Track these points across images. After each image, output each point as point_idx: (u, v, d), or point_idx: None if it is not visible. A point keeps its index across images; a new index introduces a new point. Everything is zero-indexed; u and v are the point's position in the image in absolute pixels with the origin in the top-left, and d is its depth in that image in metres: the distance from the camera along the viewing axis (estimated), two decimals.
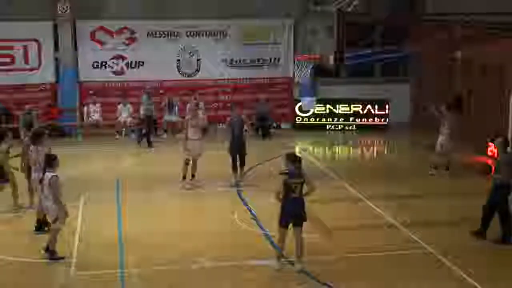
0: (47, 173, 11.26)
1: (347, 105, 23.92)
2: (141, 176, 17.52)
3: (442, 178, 17.02)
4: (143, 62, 23.52)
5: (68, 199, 13.08)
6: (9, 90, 22.72)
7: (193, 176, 16.11)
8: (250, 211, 13.98)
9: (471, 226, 13.11)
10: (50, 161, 11.33)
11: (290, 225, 10.88)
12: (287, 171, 10.80)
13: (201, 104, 22.48)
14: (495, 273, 10.80)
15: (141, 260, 11.26)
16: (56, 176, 11.22)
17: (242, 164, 16.35)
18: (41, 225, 12.56)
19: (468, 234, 12.60)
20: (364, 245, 12.01)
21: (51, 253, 11.28)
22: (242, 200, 14.86)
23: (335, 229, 12.92)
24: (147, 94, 21.61)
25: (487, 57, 19.86)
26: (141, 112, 21.51)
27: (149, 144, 20.92)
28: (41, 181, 11.38)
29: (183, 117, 19.71)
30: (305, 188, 10.87)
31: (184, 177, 15.99)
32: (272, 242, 11.99)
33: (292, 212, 10.81)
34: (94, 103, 22.70)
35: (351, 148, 22.32)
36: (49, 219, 11.63)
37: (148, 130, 21.20)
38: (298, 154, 11.33)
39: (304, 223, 10.92)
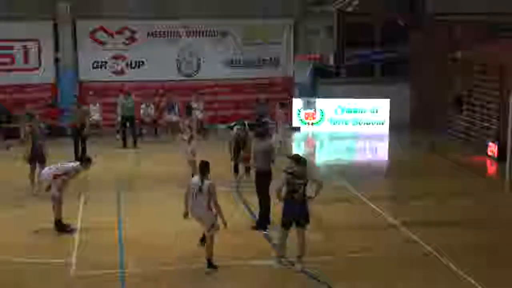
0: (204, 181, 10.90)
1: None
2: (141, 176, 17.53)
3: (441, 178, 17.01)
4: (143, 62, 23.52)
5: (68, 199, 13.16)
6: (9, 90, 22.72)
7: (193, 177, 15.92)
8: (250, 211, 13.97)
9: (471, 226, 13.13)
10: (205, 168, 11.04)
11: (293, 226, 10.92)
12: (290, 171, 10.82)
13: (199, 105, 22.49)
14: (496, 273, 10.80)
15: (141, 260, 11.27)
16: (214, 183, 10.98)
17: (247, 168, 16.30)
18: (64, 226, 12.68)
19: (468, 233, 12.62)
20: (364, 245, 12.01)
21: (212, 266, 10.92)
22: (243, 200, 14.85)
23: (335, 229, 12.93)
24: (126, 94, 21.58)
25: (487, 57, 19.86)
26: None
27: (125, 144, 20.96)
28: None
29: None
30: (308, 190, 10.89)
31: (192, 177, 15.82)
32: (271, 242, 12.01)
33: (294, 213, 10.82)
34: (94, 103, 22.67)
35: (351, 148, 22.32)
36: (204, 227, 11.02)
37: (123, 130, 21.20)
38: (302, 155, 11.40)
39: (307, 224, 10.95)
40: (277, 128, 18.19)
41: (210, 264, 10.86)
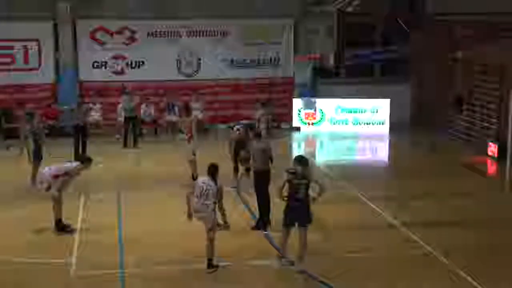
0: (211, 181, 10.85)
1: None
2: (141, 176, 17.54)
3: (441, 179, 17.00)
4: (143, 62, 23.52)
5: (68, 199, 13.17)
6: (9, 90, 22.73)
7: (192, 177, 15.93)
8: (250, 211, 13.97)
9: (472, 226, 13.13)
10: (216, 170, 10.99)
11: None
12: (293, 171, 10.82)
13: (199, 105, 22.48)
14: (496, 273, 10.81)
15: (141, 260, 11.27)
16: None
17: (247, 168, 16.24)
18: (64, 226, 12.69)
19: (468, 233, 12.63)
20: (364, 245, 12.01)
21: (212, 266, 10.91)
22: (242, 200, 14.84)
23: (335, 229, 12.93)
24: (127, 94, 21.58)
25: (487, 57, 19.86)
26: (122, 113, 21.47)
27: (126, 144, 20.93)
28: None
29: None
30: (311, 191, 10.89)
31: (192, 177, 15.84)
32: (271, 242, 12.01)
33: (296, 213, 10.81)
34: (94, 103, 22.66)
35: (351, 148, 22.32)
36: (206, 227, 10.94)
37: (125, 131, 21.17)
38: (305, 156, 11.41)
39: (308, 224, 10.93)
40: (258, 126, 18.27)
41: (211, 264, 10.86)
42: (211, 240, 10.85)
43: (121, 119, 21.68)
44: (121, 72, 23.47)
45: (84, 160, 13.23)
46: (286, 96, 24.34)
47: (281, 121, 24.22)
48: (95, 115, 22.44)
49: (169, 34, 23.58)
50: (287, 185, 10.84)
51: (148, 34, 23.40)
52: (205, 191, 10.79)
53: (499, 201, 15.13)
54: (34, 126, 16.10)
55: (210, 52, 23.80)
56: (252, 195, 13.81)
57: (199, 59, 23.88)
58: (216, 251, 10.92)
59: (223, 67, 24.00)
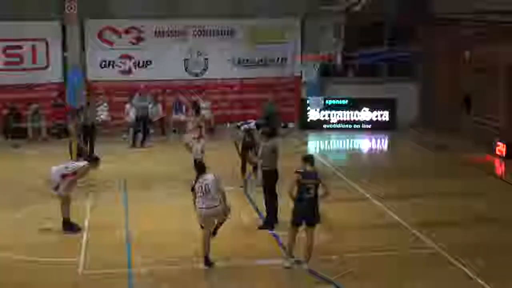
0: (207, 175, 11.00)
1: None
2: (148, 175, 17.55)
3: (449, 178, 16.97)
4: (150, 62, 23.57)
5: (76, 198, 13.21)
6: (18, 89, 22.81)
7: None
8: (258, 211, 13.98)
9: (480, 225, 13.11)
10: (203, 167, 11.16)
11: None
12: (302, 171, 10.81)
13: (207, 104, 22.50)
14: (502, 272, 10.77)
15: (148, 259, 11.28)
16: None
17: (255, 167, 16.25)
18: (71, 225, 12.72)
19: (476, 233, 12.60)
20: (372, 245, 11.99)
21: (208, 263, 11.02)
22: (250, 199, 14.85)
23: (342, 229, 12.91)
24: (140, 94, 21.65)
25: (496, 57, 19.83)
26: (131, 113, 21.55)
27: (134, 144, 21.06)
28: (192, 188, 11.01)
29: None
30: (320, 190, 10.90)
31: None
32: (278, 242, 12.01)
33: (305, 213, 10.79)
34: (102, 102, 22.71)
35: (358, 148, 22.31)
36: (220, 219, 11.15)
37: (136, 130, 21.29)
38: (313, 155, 11.39)
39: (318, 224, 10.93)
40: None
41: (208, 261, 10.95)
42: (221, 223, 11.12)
43: (129, 119, 21.72)
44: (129, 72, 23.53)
45: (92, 159, 13.26)
46: (293, 96, 24.35)
47: (288, 121, 24.25)
48: (102, 115, 22.49)
49: (177, 33, 23.62)
50: (296, 185, 10.80)
51: (155, 33, 23.46)
52: (206, 186, 10.82)
53: (508, 200, 15.08)
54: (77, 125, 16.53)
55: (218, 51, 23.83)
56: (259, 194, 13.82)
57: (206, 59, 23.92)
58: (221, 250, 10.93)
59: (230, 66, 24.02)
